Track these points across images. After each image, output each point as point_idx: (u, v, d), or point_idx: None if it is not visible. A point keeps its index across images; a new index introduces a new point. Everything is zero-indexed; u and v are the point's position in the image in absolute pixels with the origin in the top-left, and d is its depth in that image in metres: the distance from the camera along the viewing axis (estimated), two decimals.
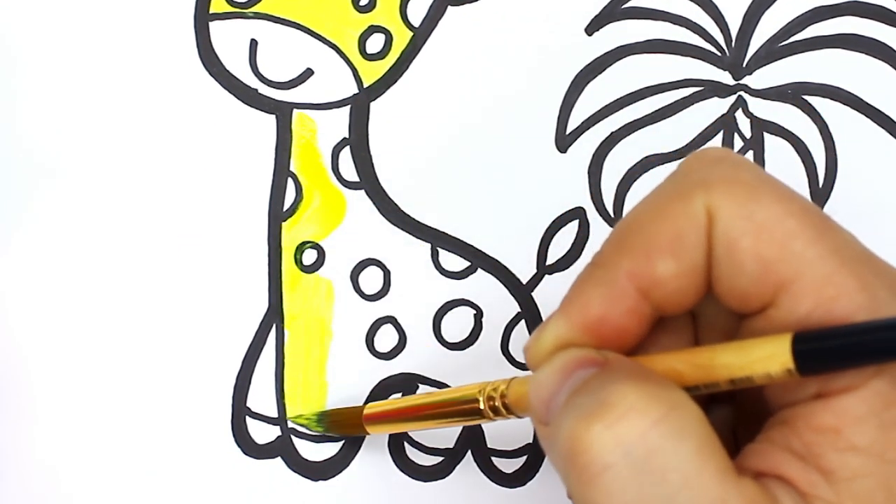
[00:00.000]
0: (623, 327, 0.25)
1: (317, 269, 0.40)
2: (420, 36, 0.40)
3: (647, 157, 0.39)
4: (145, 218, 0.40)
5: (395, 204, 0.40)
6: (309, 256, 0.40)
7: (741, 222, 0.24)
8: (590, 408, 0.23)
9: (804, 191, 0.38)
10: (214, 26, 0.41)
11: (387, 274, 0.40)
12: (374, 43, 0.40)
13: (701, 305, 0.26)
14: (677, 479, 0.22)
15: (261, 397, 0.40)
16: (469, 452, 0.39)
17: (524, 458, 0.39)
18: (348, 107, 0.40)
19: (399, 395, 0.39)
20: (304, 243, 0.40)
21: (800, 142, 0.39)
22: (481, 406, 0.30)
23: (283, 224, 0.40)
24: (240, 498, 0.39)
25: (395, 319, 0.40)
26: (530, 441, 0.39)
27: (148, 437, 0.40)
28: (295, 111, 0.40)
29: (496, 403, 0.29)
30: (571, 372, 0.25)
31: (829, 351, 0.23)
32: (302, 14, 0.40)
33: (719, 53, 0.39)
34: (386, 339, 0.40)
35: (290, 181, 0.40)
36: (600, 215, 0.39)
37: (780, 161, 0.39)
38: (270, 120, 0.40)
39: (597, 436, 0.23)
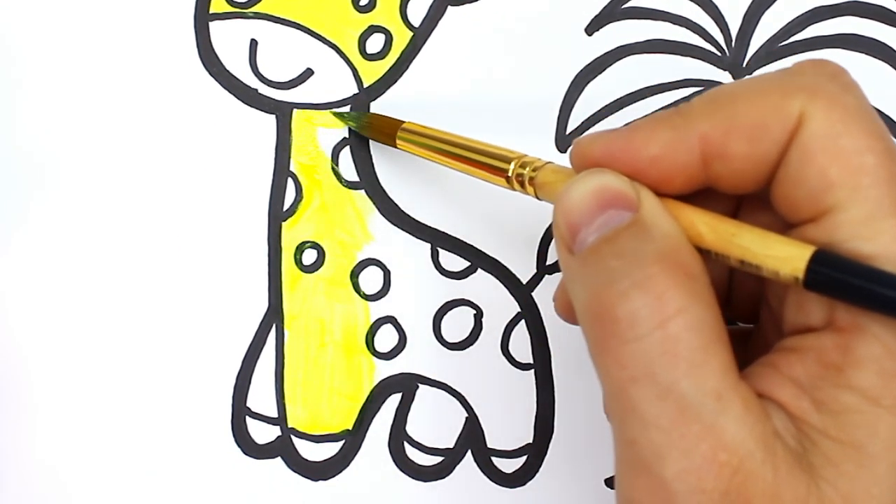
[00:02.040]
0: (670, 178, 0.26)
1: (317, 269, 0.40)
2: (420, 36, 0.40)
3: None
4: (145, 218, 0.40)
5: (395, 204, 0.40)
6: (309, 256, 0.40)
7: (824, 140, 0.25)
8: (624, 282, 0.24)
9: None
10: (214, 26, 0.41)
11: (387, 274, 0.40)
12: (374, 43, 0.40)
13: (748, 197, 0.27)
14: (684, 367, 0.24)
15: (261, 397, 0.40)
16: (469, 452, 0.39)
17: (524, 458, 0.39)
18: (348, 107, 0.40)
19: (398, 395, 0.40)
20: (304, 243, 0.40)
21: None
22: (510, 172, 0.31)
23: (283, 224, 0.40)
24: (240, 498, 0.39)
25: (395, 319, 0.40)
26: (530, 441, 0.39)
27: (148, 437, 0.40)
28: (295, 111, 0.40)
29: (524, 178, 0.30)
30: (605, 206, 0.26)
31: (840, 281, 0.24)
32: (302, 14, 0.40)
33: (719, 53, 0.39)
34: (386, 339, 0.40)
35: (290, 181, 0.40)
36: None
37: None
38: (270, 120, 0.40)
39: (624, 313, 0.24)
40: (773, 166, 0.26)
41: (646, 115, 0.27)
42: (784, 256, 0.24)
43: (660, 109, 0.27)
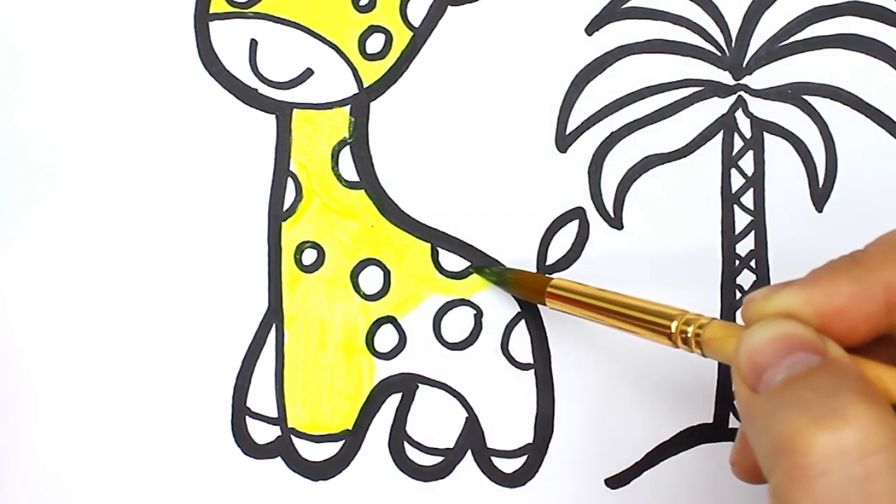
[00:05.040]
0: (855, 328, 0.26)
1: (317, 269, 0.40)
2: (420, 36, 0.40)
3: (647, 157, 0.39)
4: (145, 218, 0.40)
5: (395, 204, 0.40)
6: (309, 256, 0.40)
7: None
8: (818, 411, 0.23)
9: (804, 191, 0.39)
10: (214, 26, 0.41)
11: (387, 274, 0.40)
12: (374, 43, 0.40)
13: None
14: None
15: (261, 397, 0.40)
16: (469, 452, 0.39)
17: (524, 458, 0.39)
18: (348, 107, 0.40)
19: (398, 395, 0.39)
20: (303, 243, 0.40)
21: (800, 142, 0.39)
22: (673, 329, 0.30)
23: (283, 224, 0.40)
24: (240, 498, 0.39)
25: (395, 319, 0.40)
26: (530, 441, 0.39)
27: (148, 437, 0.40)
28: (295, 111, 0.40)
29: (689, 334, 0.29)
30: (792, 350, 0.25)
31: None
32: (302, 14, 0.40)
33: (719, 53, 0.39)
34: (386, 339, 0.40)
35: (290, 181, 0.40)
36: (600, 215, 0.39)
37: (780, 161, 0.39)
38: (270, 120, 0.40)
39: (822, 443, 0.23)
40: None
41: (821, 268, 0.27)
42: None
43: (834, 260, 0.27)
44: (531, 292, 0.37)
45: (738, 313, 0.37)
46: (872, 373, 0.25)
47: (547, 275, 0.37)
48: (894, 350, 0.27)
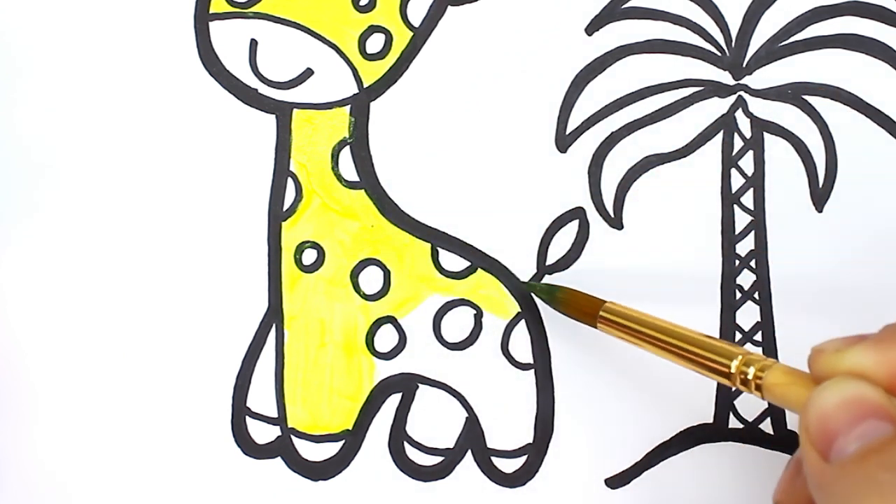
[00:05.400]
0: None
1: (317, 269, 0.40)
2: (420, 36, 0.40)
3: (647, 157, 0.39)
4: (145, 218, 0.40)
5: (395, 204, 0.40)
6: (309, 256, 0.40)
7: None
8: (894, 497, 0.23)
9: (804, 191, 0.38)
10: (214, 26, 0.41)
11: (387, 274, 0.40)
12: (374, 43, 0.40)
13: None
14: None
15: (261, 397, 0.40)
16: (469, 452, 0.39)
17: (524, 458, 0.39)
18: (348, 107, 0.40)
19: (398, 395, 0.39)
20: (303, 243, 0.40)
21: (800, 142, 0.39)
22: (732, 370, 0.29)
23: (283, 224, 0.40)
24: (240, 498, 0.39)
25: (395, 319, 0.40)
26: (530, 441, 0.39)
27: (148, 437, 0.40)
28: (295, 111, 0.40)
29: (749, 376, 0.29)
30: (864, 416, 0.25)
31: None
32: (302, 14, 0.40)
33: (719, 53, 0.39)
34: (386, 339, 0.40)
35: (290, 181, 0.40)
36: (600, 215, 0.39)
37: (780, 161, 0.39)
38: (270, 120, 0.40)
39: None
40: None
41: (891, 325, 0.27)
42: None
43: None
44: (582, 314, 0.36)
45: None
46: None
47: (600, 298, 0.36)
48: None
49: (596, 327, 0.35)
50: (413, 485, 0.39)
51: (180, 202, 0.40)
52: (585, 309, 0.36)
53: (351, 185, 0.40)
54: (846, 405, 0.25)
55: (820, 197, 0.39)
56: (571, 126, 0.39)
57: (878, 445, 0.24)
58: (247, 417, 0.40)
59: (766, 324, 0.38)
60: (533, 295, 0.39)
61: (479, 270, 0.40)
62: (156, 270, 0.40)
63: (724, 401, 0.38)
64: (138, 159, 0.40)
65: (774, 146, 0.39)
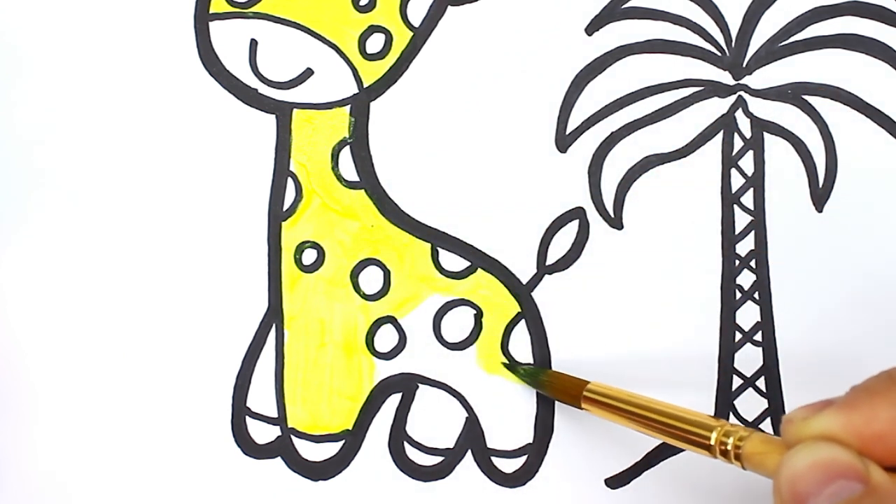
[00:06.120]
0: (894, 451, 0.26)
1: (317, 269, 0.40)
2: (420, 36, 0.40)
3: (646, 157, 0.39)
4: (145, 218, 0.40)
5: (395, 204, 0.40)
6: (309, 256, 0.40)
7: None
8: None
9: (804, 191, 0.38)
10: (214, 26, 0.41)
11: (387, 274, 0.40)
12: (374, 43, 0.40)
13: None
14: None
15: (261, 397, 0.40)
16: (469, 452, 0.39)
17: (524, 458, 0.39)
18: (348, 107, 0.40)
19: (398, 395, 0.39)
20: (303, 243, 0.40)
21: (800, 142, 0.39)
22: (712, 441, 0.30)
23: (283, 224, 0.40)
24: (240, 498, 0.39)
25: (395, 319, 0.40)
26: (530, 441, 0.39)
27: (148, 437, 0.40)
28: (295, 111, 0.40)
29: (728, 447, 0.29)
30: (834, 477, 0.25)
31: None
32: (302, 14, 0.40)
33: (719, 53, 0.39)
34: (386, 339, 0.40)
35: (290, 181, 0.40)
36: (600, 215, 0.39)
37: (780, 161, 0.39)
38: (270, 120, 0.40)
39: None
40: None
41: (859, 388, 0.27)
42: None
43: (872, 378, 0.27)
44: (565, 395, 0.37)
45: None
46: None
47: (582, 378, 0.36)
48: None
49: (581, 408, 0.36)
50: (413, 485, 0.39)
51: (180, 202, 0.40)
52: (569, 391, 0.36)
53: (351, 185, 0.40)
54: (816, 467, 0.25)
55: (820, 197, 0.39)
56: (571, 126, 0.39)
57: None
58: (247, 417, 0.40)
59: (766, 324, 0.38)
60: (531, 296, 0.39)
61: (479, 270, 0.40)
62: (156, 270, 0.40)
63: (724, 401, 0.38)
64: (138, 159, 0.40)
65: (774, 146, 0.39)
